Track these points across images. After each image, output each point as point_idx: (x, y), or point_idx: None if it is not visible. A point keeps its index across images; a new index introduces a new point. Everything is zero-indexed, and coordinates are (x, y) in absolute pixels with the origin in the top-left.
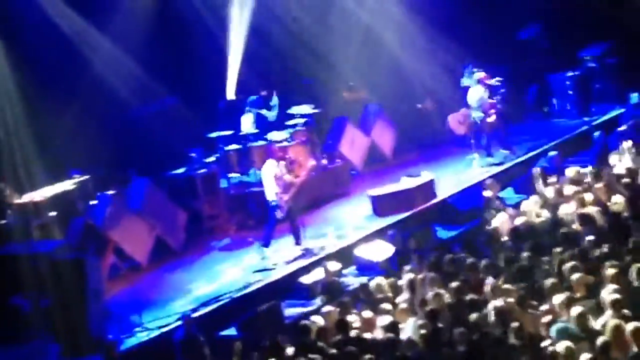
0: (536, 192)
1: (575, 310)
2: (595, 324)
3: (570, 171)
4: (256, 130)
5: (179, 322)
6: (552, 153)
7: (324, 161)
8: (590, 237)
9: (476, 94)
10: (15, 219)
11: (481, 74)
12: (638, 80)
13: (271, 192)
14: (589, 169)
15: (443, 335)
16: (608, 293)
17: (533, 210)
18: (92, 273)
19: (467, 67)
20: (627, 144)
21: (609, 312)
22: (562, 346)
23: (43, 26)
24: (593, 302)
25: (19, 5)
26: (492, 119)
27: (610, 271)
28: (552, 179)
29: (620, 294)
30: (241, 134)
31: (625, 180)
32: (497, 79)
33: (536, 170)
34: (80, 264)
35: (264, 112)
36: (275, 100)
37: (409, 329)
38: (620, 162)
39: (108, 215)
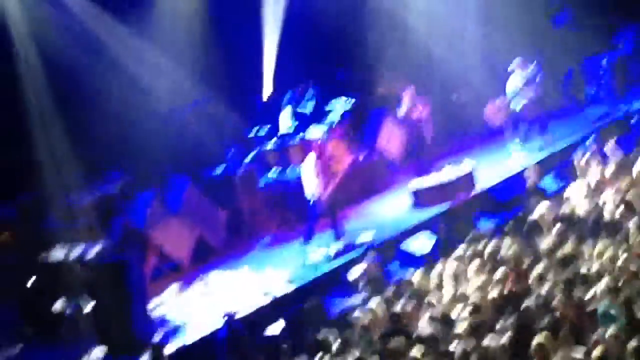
0: (576, 179)
1: (621, 296)
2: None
3: (611, 157)
4: (295, 123)
5: (223, 321)
6: (591, 138)
7: (362, 156)
8: (634, 223)
9: (513, 81)
10: (58, 222)
11: (517, 61)
12: None
13: (310, 188)
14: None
15: (488, 327)
16: None
17: (575, 197)
18: (135, 275)
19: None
20: None
21: None
22: (609, 331)
23: (76, 28)
24: (637, 288)
25: (51, 7)
26: (529, 106)
27: None
28: (593, 165)
29: None
30: (280, 133)
31: None
32: (533, 66)
33: (576, 156)
34: (122, 266)
35: (299, 108)
36: (310, 93)
37: (454, 320)
38: None
39: (149, 216)
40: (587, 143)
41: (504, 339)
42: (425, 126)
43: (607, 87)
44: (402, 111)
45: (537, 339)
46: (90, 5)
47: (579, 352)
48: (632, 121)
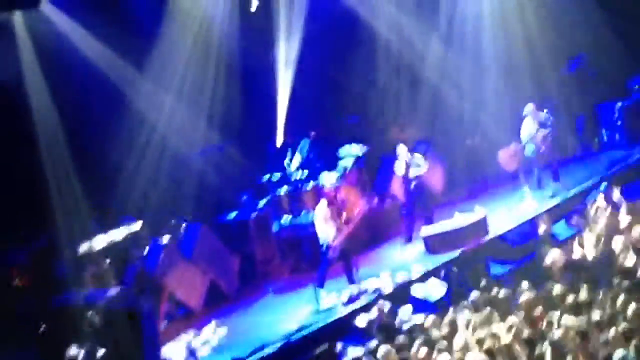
0: (589, 225)
1: (635, 342)
2: None
3: (624, 203)
4: (306, 169)
5: None
6: (604, 185)
7: (375, 201)
8: None
9: (527, 127)
10: (70, 268)
11: (530, 107)
12: None
13: (323, 233)
14: None
15: None
16: None
17: (587, 243)
18: (148, 321)
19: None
20: None
21: None
22: None
23: (91, 73)
24: None
25: (67, 54)
26: (542, 152)
27: None
28: (606, 211)
29: None
30: (292, 179)
31: None
32: (545, 112)
33: (589, 203)
34: (135, 313)
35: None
36: (321, 140)
37: None
38: None
39: (161, 262)
40: (601, 189)
41: None
42: (432, 178)
43: (621, 132)
44: (400, 170)
45: None
46: (106, 52)
47: None
48: None
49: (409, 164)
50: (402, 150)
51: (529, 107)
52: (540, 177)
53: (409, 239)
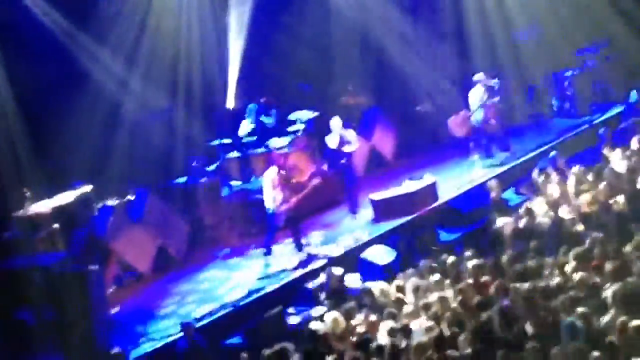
0: (538, 192)
1: (581, 310)
2: (600, 323)
3: (573, 171)
4: (256, 133)
5: (182, 332)
6: (552, 153)
7: (325, 167)
8: (593, 237)
9: (476, 94)
10: (18, 232)
11: (480, 75)
12: (637, 77)
13: (270, 200)
14: (592, 168)
15: (449, 339)
16: (611, 292)
17: (536, 210)
18: (96, 285)
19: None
20: (636, 139)
21: (612, 311)
22: (570, 345)
23: (41, 37)
24: (597, 301)
25: (17, 16)
26: (491, 120)
27: (612, 270)
28: (555, 178)
29: (623, 292)
30: (240, 135)
31: (627, 178)
32: (496, 80)
33: (537, 170)
34: (83, 276)
35: (262, 118)
36: (273, 104)
37: (414, 333)
38: (623, 159)
39: (110, 226)
40: (550, 156)
41: (466, 350)
42: (382, 145)
43: (571, 101)
44: (332, 143)
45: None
46: (51, 12)
47: None
48: (600, 132)
49: (343, 138)
50: (335, 123)
51: (479, 75)
52: (489, 145)
53: (354, 210)
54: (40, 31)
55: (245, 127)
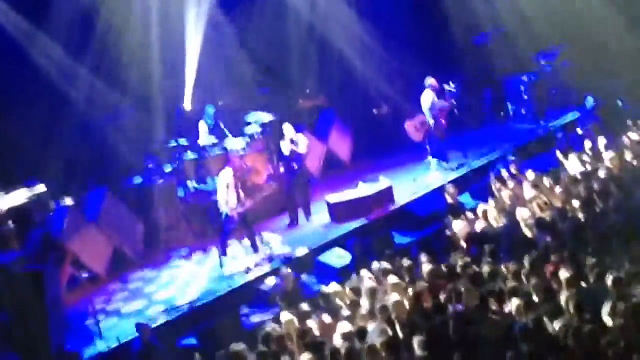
0: (494, 197)
1: (535, 314)
2: (554, 327)
3: (529, 175)
4: (213, 135)
5: (138, 332)
6: (511, 157)
7: (282, 169)
8: (548, 242)
9: (427, 99)
10: None
11: (431, 80)
12: (593, 84)
13: (224, 201)
14: (547, 173)
15: (403, 342)
16: (565, 297)
17: (491, 215)
18: (51, 285)
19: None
20: (588, 145)
21: (566, 316)
22: (524, 349)
23: None
24: (551, 306)
25: None
26: (442, 124)
27: (567, 275)
28: (510, 183)
29: (577, 297)
30: (199, 142)
31: (582, 183)
32: (451, 85)
33: (493, 175)
34: (38, 276)
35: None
36: (229, 106)
37: (369, 335)
38: (579, 165)
39: (66, 226)
40: (509, 159)
41: (420, 353)
42: (338, 148)
43: (527, 106)
44: (285, 149)
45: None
46: (7, 10)
47: None
48: (559, 136)
49: (295, 143)
50: (287, 129)
51: (429, 80)
52: (443, 149)
53: (294, 223)
54: None
55: (203, 130)
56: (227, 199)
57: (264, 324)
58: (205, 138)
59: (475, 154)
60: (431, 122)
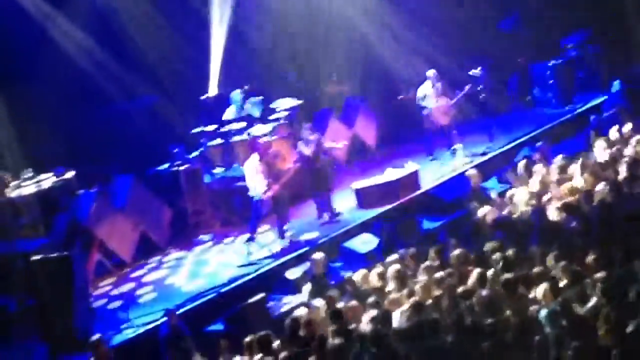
0: (521, 181)
1: (562, 298)
2: (581, 311)
3: (555, 160)
4: (241, 120)
5: (164, 318)
6: (538, 143)
7: (297, 155)
8: (575, 226)
9: (421, 90)
10: (0, 217)
11: (430, 72)
12: (619, 67)
13: (253, 186)
14: (575, 157)
15: (430, 326)
16: (592, 281)
17: (518, 199)
18: (78, 271)
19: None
20: (614, 130)
21: (594, 299)
22: (551, 333)
23: (20, 21)
24: (578, 290)
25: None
26: (446, 115)
27: (594, 259)
28: (538, 168)
29: (605, 281)
30: (224, 120)
31: (610, 167)
32: (477, 70)
33: (520, 159)
34: (65, 262)
35: (247, 106)
36: (256, 92)
37: (396, 320)
38: (606, 148)
39: (92, 212)
40: (534, 146)
41: (448, 338)
42: (365, 133)
43: (553, 91)
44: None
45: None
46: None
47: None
48: (592, 118)
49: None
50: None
51: (430, 72)
52: (449, 138)
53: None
54: (23, 17)
55: (230, 115)
56: (255, 185)
57: (292, 310)
58: (231, 122)
59: (502, 139)
60: (425, 112)
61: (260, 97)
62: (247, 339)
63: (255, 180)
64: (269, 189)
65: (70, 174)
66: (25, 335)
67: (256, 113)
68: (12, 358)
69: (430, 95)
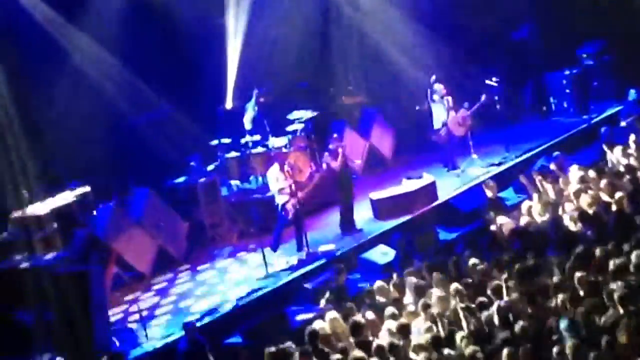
0: (537, 191)
1: (581, 308)
2: (601, 321)
3: (572, 169)
4: (258, 137)
5: (183, 332)
6: (555, 153)
7: (324, 166)
8: (592, 236)
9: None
10: (16, 233)
11: (439, 86)
12: (635, 76)
13: (277, 195)
14: (592, 167)
15: (447, 338)
16: (612, 290)
17: (535, 210)
18: (96, 285)
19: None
20: (633, 138)
21: (613, 310)
22: (569, 343)
23: (37, 38)
24: (597, 300)
25: (13, 19)
26: (462, 126)
27: (613, 268)
28: (553, 177)
29: (624, 290)
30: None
31: (627, 176)
32: (493, 80)
33: (536, 169)
34: (83, 276)
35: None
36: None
37: (413, 332)
38: (623, 157)
39: (109, 226)
40: (550, 156)
41: (465, 350)
42: (381, 144)
43: (569, 100)
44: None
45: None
46: (53, 15)
47: None
48: (601, 130)
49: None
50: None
51: (438, 86)
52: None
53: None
54: (37, 31)
55: (248, 118)
56: (280, 193)
57: (310, 322)
58: (248, 124)
59: (518, 149)
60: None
61: (255, 90)
62: (268, 350)
63: (278, 189)
64: (293, 196)
65: (86, 189)
66: (42, 349)
67: (252, 112)
68: None
69: (440, 107)
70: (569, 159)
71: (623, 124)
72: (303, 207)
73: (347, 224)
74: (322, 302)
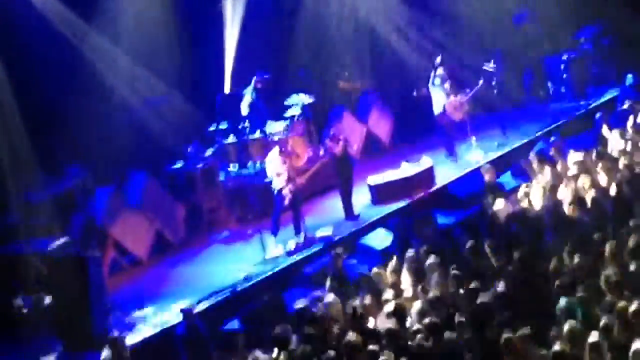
0: (535, 176)
1: (578, 293)
2: (598, 305)
3: (570, 154)
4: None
5: (181, 317)
6: (552, 139)
7: (322, 151)
8: (590, 220)
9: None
10: (16, 217)
11: (440, 70)
12: (633, 61)
13: (276, 180)
14: (590, 151)
15: (446, 322)
16: (608, 275)
17: (532, 195)
18: (94, 269)
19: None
20: (629, 122)
21: (610, 294)
22: (567, 327)
23: (37, 22)
24: (594, 284)
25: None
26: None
27: (609, 253)
28: (551, 162)
29: (620, 275)
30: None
31: (623, 161)
32: (491, 64)
33: (534, 154)
34: (81, 261)
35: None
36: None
37: (411, 316)
38: (620, 142)
39: (107, 210)
40: (547, 141)
41: (462, 334)
42: (379, 129)
43: (567, 85)
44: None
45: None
46: (52, 2)
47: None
48: (596, 116)
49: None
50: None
51: (440, 71)
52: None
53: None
54: (35, 15)
55: (246, 103)
56: (278, 178)
57: (308, 306)
58: (245, 109)
59: (516, 133)
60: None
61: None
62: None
63: (276, 173)
64: (291, 181)
65: (84, 173)
66: (40, 334)
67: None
68: (28, 356)
69: (440, 92)
70: (566, 143)
71: (624, 107)
72: (302, 192)
73: (347, 209)
74: (322, 287)
